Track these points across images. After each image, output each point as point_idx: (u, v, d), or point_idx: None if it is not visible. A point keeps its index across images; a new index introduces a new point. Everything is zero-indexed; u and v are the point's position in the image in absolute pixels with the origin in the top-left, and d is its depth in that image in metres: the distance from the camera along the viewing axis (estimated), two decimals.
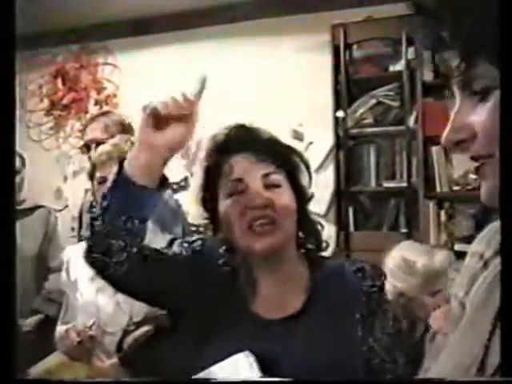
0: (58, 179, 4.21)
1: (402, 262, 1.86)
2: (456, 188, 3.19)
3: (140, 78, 3.98)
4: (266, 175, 1.14)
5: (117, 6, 3.77)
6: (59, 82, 4.09)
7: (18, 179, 2.75)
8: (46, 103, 4.24)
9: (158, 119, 1.07)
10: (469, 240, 3.18)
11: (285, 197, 1.14)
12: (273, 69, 3.59)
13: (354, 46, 3.29)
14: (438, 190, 3.20)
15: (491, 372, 0.63)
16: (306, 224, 1.19)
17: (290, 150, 1.22)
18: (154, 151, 1.08)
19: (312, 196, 1.20)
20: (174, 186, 3.10)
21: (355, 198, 3.41)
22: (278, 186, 1.14)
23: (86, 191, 3.36)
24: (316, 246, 1.20)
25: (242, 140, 1.20)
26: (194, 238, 1.23)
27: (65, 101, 4.05)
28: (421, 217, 3.20)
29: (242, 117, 3.84)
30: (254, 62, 3.65)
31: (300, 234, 1.19)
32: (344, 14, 3.31)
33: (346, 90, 3.29)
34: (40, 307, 2.66)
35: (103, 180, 1.79)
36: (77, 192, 4.22)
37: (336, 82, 3.31)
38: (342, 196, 3.39)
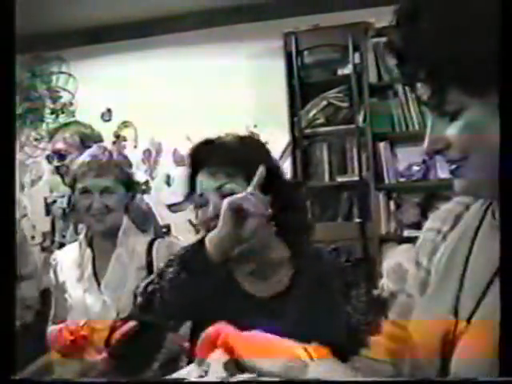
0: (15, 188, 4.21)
1: (396, 267, 2.03)
2: (402, 179, 3.46)
3: (95, 85, 4.06)
4: (219, 187, 1.24)
5: (69, 16, 3.81)
6: None
7: None
8: None
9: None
10: (416, 226, 3.49)
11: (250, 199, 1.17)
12: (229, 75, 3.75)
13: (305, 52, 3.49)
14: (387, 182, 3.46)
15: (467, 314, 0.79)
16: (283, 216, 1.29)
17: (254, 158, 1.27)
18: None
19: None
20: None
21: (311, 193, 3.62)
22: (230, 194, 1.20)
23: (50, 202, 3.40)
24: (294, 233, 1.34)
25: (203, 157, 1.29)
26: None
27: (19, 110, 4.05)
28: (372, 207, 3.46)
29: (199, 121, 4.02)
30: (211, 68, 3.80)
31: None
32: (293, 22, 3.52)
33: (299, 93, 3.49)
34: (17, 315, 2.70)
35: (85, 190, 1.89)
36: (35, 201, 4.24)
37: (289, 86, 3.50)
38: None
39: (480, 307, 0.78)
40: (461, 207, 0.92)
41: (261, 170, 1.17)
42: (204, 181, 1.27)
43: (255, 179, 1.17)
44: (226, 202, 1.13)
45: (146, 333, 1.76)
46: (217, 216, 1.18)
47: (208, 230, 1.22)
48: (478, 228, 0.85)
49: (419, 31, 0.74)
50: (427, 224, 0.97)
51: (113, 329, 1.91)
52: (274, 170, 1.29)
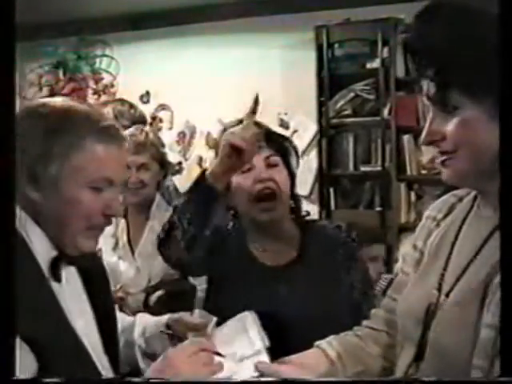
0: None
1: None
2: (424, 172, 3.56)
3: (135, 69, 4.27)
4: (267, 157, 1.42)
5: (114, 1, 4.00)
6: (60, 72, 4.34)
7: None
8: (44, 92, 4.48)
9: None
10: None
11: (282, 174, 1.43)
12: (262, 64, 3.91)
13: (336, 45, 3.61)
14: (409, 173, 3.58)
15: (447, 289, 0.93)
16: (295, 196, 1.52)
17: (284, 138, 1.54)
18: None
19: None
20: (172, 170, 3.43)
21: (335, 181, 3.78)
22: (276, 165, 1.43)
23: None
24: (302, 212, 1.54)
25: None
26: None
27: (65, 90, 4.30)
28: (393, 197, 3.58)
29: (232, 106, 4.20)
30: (245, 57, 3.96)
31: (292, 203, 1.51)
32: (325, 15, 3.64)
33: (328, 84, 3.63)
34: None
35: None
36: None
37: (319, 77, 3.64)
38: (323, 179, 3.76)
39: (457, 284, 0.92)
40: (455, 198, 1.05)
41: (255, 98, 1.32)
42: None
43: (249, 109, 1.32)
44: (224, 139, 1.29)
45: (177, 296, 1.98)
46: (260, 181, 1.39)
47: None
48: (466, 216, 0.99)
49: (433, 34, 0.86)
50: (426, 213, 1.10)
51: (148, 293, 2.14)
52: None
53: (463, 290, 0.91)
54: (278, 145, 1.47)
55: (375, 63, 3.56)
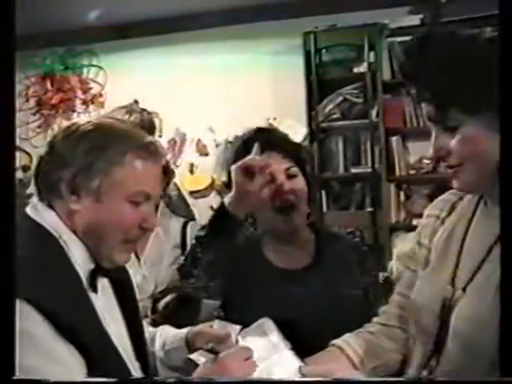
0: None
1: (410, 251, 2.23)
2: (412, 172, 3.66)
3: (123, 78, 4.28)
4: (287, 169, 1.45)
5: (101, 12, 4.00)
6: (48, 83, 4.33)
7: (28, 175, 3.04)
8: (32, 103, 4.45)
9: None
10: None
11: (301, 183, 1.45)
12: (251, 70, 3.97)
13: (323, 51, 3.68)
14: (398, 173, 3.67)
15: (463, 285, 0.98)
16: (311, 202, 1.54)
17: (301, 147, 1.57)
18: None
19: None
20: None
21: (326, 183, 3.84)
22: (295, 176, 1.45)
23: None
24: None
25: (266, 140, 1.47)
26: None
27: (53, 101, 4.30)
28: (383, 197, 3.66)
29: (222, 113, 4.24)
30: (234, 63, 4.01)
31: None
32: (313, 21, 3.70)
33: (317, 89, 3.69)
34: None
35: None
36: None
37: (308, 82, 3.70)
38: (315, 181, 3.82)
39: (474, 279, 0.98)
40: (456, 197, 1.12)
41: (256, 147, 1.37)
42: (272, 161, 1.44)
43: (256, 146, 1.36)
44: (234, 166, 1.32)
45: (185, 302, 2.01)
46: (282, 193, 1.41)
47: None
48: (473, 214, 1.06)
49: (425, 61, 0.95)
50: (427, 211, 1.17)
51: (156, 299, 2.17)
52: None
53: (481, 285, 0.96)
54: (296, 154, 1.49)
55: (362, 67, 3.64)
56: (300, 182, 1.46)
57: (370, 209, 3.73)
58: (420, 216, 3.91)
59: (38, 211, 1.04)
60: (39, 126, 4.46)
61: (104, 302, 1.07)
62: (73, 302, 0.96)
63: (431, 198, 3.61)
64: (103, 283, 1.09)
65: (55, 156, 1.04)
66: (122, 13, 4.02)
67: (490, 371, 0.90)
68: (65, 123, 4.42)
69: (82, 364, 0.94)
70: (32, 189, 1.09)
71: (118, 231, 1.05)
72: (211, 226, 1.37)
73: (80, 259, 1.03)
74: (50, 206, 1.04)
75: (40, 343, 0.90)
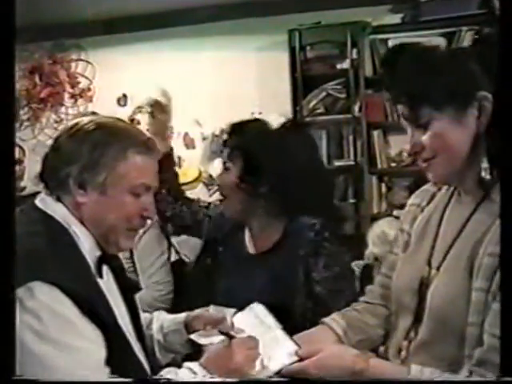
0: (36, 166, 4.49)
1: (381, 234, 2.37)
2: (393, 164, 3.77)
3: (111, 73, 4.33)
4: (224, 163, 1.66)
5: (89, 6, 4.03)
6: (36, 77, 4.36)
7: (19, 168, 3.09)
8: (20, 97, 4.48)
9: None
10: (404, 207, 3.75)
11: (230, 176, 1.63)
12: (237, 66, 4.05)
13: (308, 47, 3.78)
14: (379, 166, 3.78)
15: (437, 264, 1.09)
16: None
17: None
18: None
19: None
20: None
21: None
22: (227, 169, 1.64)
23: None
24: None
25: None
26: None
27: (42, 95, 4.34)
28: (365, 189, 3.77)
29: (208, 107, 4.30)
30: (220, 59, 4.08)
31: None
32: (297, 18, 3.79)
33: (301, 85, 3.79)
34: None
35: None
36: None
37: (292, 78, 3.80)
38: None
39: (447, 258, 1.10)
40: (435, 188, 1.24)
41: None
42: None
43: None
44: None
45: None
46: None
47: None
48: (448, 202, 1.17)
49: (400, 69, 1.08)
50: (410, 201, 1.29)
51: None
52: None
53: (452, 263, 1.08)
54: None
55: (345, 64, 3.74)
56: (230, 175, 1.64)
57: (352, 200, 3.84)
58: (400, 207, 4.08)
59: (47, 204, 1.13)
60: (28, 120, 4.49)
61: (108, 286, 1.17)
62: (88, 286, 1.06)
63: (411, 189, 3.79)
64: (105, 270, 1.18)
65: (62, 154, 1.14)
66: (110, 7, 4.06)
67: (459, 342, 1.02)
68: (53, 117, 4.49)
69: (103, 341, 1.04)
70: (26, 182, 1.17)
71: (121, 220, 1.15)
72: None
73: (88, 247, 1.13)
74: (59, 200, 1.13)
75: (70, 321, 1.00)
